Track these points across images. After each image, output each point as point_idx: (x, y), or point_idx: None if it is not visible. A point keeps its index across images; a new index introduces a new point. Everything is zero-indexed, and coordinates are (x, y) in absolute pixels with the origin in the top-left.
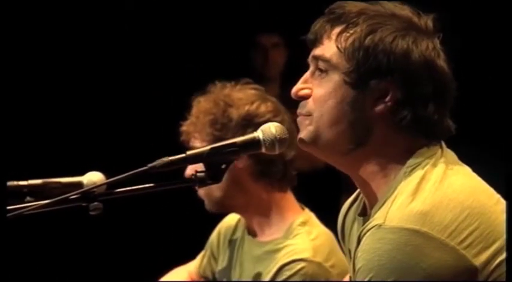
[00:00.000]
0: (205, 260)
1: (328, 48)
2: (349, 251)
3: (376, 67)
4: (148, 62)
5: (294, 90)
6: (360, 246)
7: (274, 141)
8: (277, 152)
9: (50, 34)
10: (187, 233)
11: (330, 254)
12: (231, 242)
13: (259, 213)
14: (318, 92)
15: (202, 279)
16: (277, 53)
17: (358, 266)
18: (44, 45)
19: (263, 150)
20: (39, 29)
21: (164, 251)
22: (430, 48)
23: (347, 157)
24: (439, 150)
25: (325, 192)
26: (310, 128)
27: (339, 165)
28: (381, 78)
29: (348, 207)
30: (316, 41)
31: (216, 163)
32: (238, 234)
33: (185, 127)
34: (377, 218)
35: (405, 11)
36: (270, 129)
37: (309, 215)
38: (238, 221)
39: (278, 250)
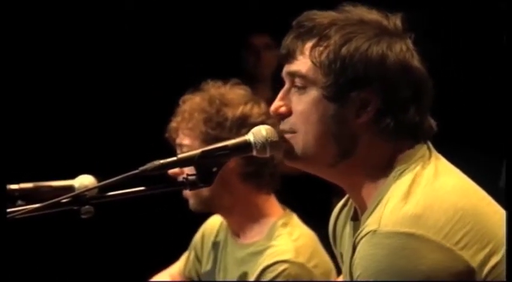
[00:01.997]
0: (190, 262)
1: (303, 64)
2: (341, 255)
3: (355, 78)
4: (138, 64)
5: (272, 108)
6: (356, 254)
7: (265, 144)
8: (268, 154)
9: (41, 40)
10: (173, 235)
11: (313, 254)
12: (215, 244)
13: (243, 214)
14: (299, 109)
15: (186, 280)
16: (269, 54)
17: (356, 273)
18: (34, 52)
19: (254, 153)
20: (32, 34)
21: (151, 253)
22: (404, 50)
23: (335, 169)
24: (427, 152)
25: (316, 195)
26: (297, 145)
27: (328, 176)
28: (360, 89)
29: (338, 211)
30: (289, 57)
31: (207, 166)
32: (222, 236)
33: (175, 123)
34: (370, 224)
35: (373, 15)
36: (261, 131)
37: (290, 216)
38: (221, 223)
39: (261, 252)
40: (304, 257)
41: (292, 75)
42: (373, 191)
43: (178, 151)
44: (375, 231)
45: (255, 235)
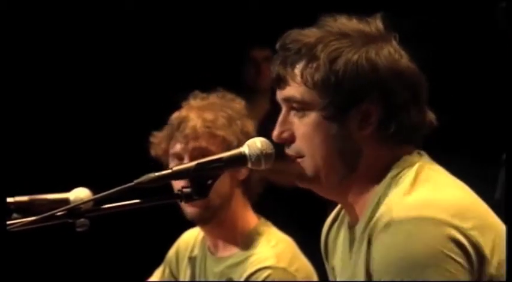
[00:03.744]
0: (165, 277)
1: (296, 89)
2: (333, 269)
3: (351, 92)
4: (134, 74)
5: (275, 134)
6: (374, 247)
7: (260, 156)
8: (263, 167)
9: (37, 48)
10: (148, 248)
11: (293, 259)
12: (191, 260)
13: (228, 224)
14: (301, 132)
15: None
16: (269, 66)
17: (374, 267)
18: (27, 59)
19: (249, 165)
20: (28, 40)
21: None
22: (392, 53)
23: (341, 185)
24: (421, 157)
25: (311, 207)
26: (308, 169)
27: (332, 195)
28: (358, 102)
29: (329, 225)
30: (281, 82)
31: (202, 178)
32: (198, 251)
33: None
34: (382, 217)
35: (353, 23)
36: (256, 144)
37: (265, 223)
38: (196, 238)
39: (240, 262)
40: (285, 262)
41: (288, 100)
42: (367, 200)
43: (172, 162)
44: (389, 221)
45: (232, 246)
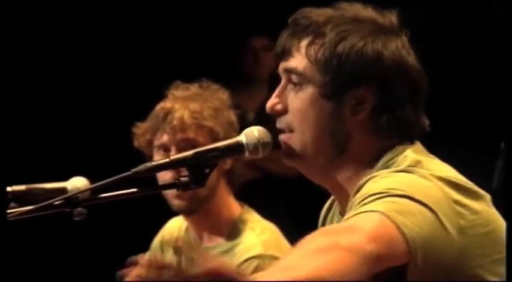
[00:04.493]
0: None
1: (299, 61)
2: None
3: (351, 75)
4: (131, 64)
5: (268, 104)
6: (353, 201)
7: (257, 145)
8: (260, 155)
9: (37, 44)
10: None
11: (278, 245)
12: (176, 250)
13: (213, 214)
14: (295, 106)
15: None
16: (267, 56)
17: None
18: (27, 54)
19: (246, 154)
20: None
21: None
22: (400, 48)
23: (328, 167)
24: (414, 145)
25: (308, 197)
26: (295, 145)
27: (318, 177)
28: (356, 87)
29: (325, 213)
30: (285, 54)
31: (199, 167)
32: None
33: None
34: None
35: (368, 12)
36: (253, 133)
37: (248, 211)
38: (179, 227)
39: (227, 251)
40: (271, 248)
41: (289, 72)
42: (358, 182)
43: (157, 154)
44: (373, 176)
45: (217, 236)
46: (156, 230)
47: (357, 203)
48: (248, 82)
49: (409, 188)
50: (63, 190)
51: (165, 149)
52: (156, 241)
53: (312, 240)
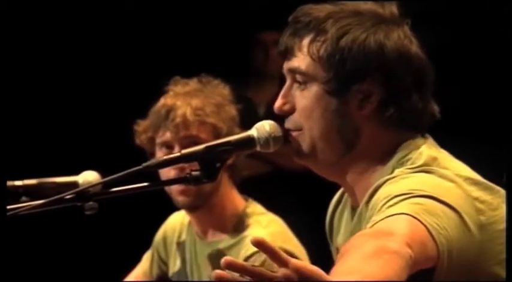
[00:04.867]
0: (154, 262)
1: (302, 60)
2: (337, 250)
3: (354, 70)
4: (141, 60)
5: (276, 105)
6: (376, 201)
7: (268, 139)
8: (271, 150)
9: (43, 35)
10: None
11: (286, 237)
12: (179, 245)
13: (217, 209)
14: (301, 105)
15: (153, 280)
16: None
17: (377, 210)
18: (35, 46)
19: (258, 148)
20: (33, 30)
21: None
22: (402, 38)
23: (339, 163)
24: (426, 140)
25: (318, 191)
26: (305, 142)
27: (329, 173)
28: (361, 81)
29: (334, 207)
30: (288, 53)
31: (210, 162)
32: (185, 236)
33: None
34: (387, 192)
35: (368, 4)
36: (264, 127)
37: (253, 204)
38: (181, 223)
39: (234, 245)
40: (280, 240)
41: (293, 71)
42: (370, 181)
43: (159, 151)
44: (389, 178)
45: (222, 230)
46: (156, 225)
47: (381, 204)
48: (259, 76)
49: (431, 189)
50: (74, 184)
51: (168, 146)
52: (159, 236)
53: (362, 245)
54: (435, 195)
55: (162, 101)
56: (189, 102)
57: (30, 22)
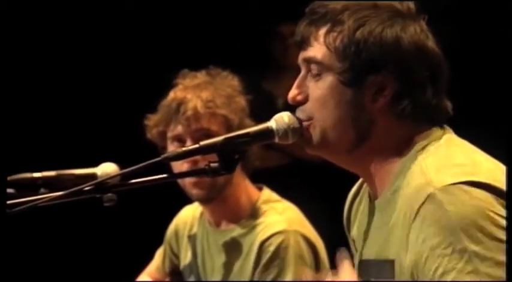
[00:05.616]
0: (167, 257)
1: (318, 50)
2: (354, 241)
3: (370, 62)
4: (155, 53)
5: (290, 95)
6: (421, 223)
7: (287, 131)
8: (290, 141)
9: (53, 30)
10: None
11: (302, 223)
12: (191, 238)
13: (231, 200)
14: (315, 95)
15: (167, 278)
16: None
17: (428, 243)
18: (51, 39)
19: (276, 139)
20: (38, 28)
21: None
22: (418, 32)
23: (352, 154)
24: (444, 131)
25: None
26: (316, 132)
27: (345, 163)
28: (376, 73)
29: (352, 198)
30: (304, 43)
31: (229, 153)
32: (197, 228)
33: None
34: (419, 187)
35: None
36: (283, 118)
37: (268, 193)
38: (193, 215)
39: (249, 231)
40: (296, 225)
41: (308, 61)
42: (390, 171)
43: (171, 145)
44: (432, 192)
45: (236, 219)
46: (168, 220)
47: (429, 246)
48: (277, 69)
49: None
50: (93, 176)
51: (180, 140)
52: (170, 231)
53: None
54: (480, 238)
55: (172, 94)
56: (199, 95)
57: (43, 17)
